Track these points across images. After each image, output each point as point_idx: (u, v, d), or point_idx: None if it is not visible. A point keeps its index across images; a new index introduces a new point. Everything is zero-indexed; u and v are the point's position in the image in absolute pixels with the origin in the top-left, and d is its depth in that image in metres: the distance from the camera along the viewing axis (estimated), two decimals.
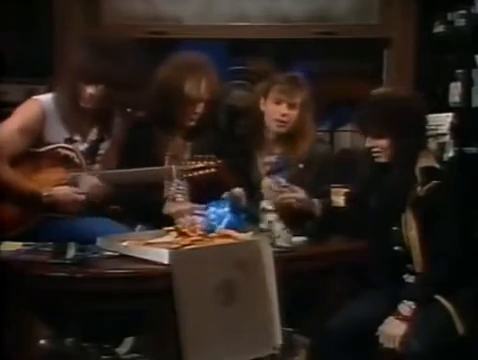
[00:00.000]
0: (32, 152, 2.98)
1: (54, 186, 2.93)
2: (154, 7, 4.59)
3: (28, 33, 4.29)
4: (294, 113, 3.26)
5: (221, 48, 4.68)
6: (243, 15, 4.58)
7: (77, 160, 3.01)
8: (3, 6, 4.14)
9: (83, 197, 2.93)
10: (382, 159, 2.86)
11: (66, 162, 2.99)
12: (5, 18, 4.21)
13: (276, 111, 3.26)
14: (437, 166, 2.86)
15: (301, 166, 3.23)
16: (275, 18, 4.56)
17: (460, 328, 2.63)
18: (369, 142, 2.87)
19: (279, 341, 2.67)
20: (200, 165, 2.97)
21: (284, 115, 3.24)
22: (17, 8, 4.26)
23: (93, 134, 3.09)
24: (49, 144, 2.98)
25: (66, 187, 2.93)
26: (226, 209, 2.89)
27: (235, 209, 2.90)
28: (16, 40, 4.26)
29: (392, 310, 2.69)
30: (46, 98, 3.03)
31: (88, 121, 3.06)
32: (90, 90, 2.94)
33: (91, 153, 3.07)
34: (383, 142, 2.84)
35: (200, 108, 3.22)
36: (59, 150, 2.99)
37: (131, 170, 3.00)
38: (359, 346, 2.73)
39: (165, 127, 3.27)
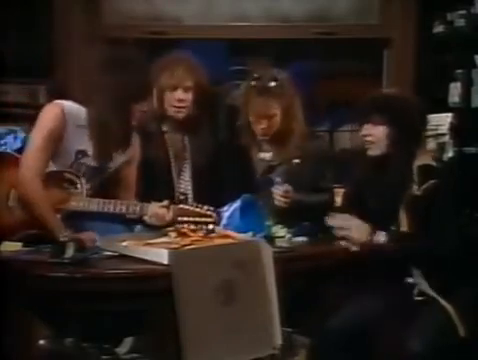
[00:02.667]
0: None
1: (55, 207, 2.87)
2: (154, 7, 4.60)
3: (28, 33, 4.29)
4: (275, 121, 3.25)
5: (221, 48, 4.69)
6: (243, 15, 4.58)
7: (79, 186, 2.94)
8: (3, 6, 4.14)
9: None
10: (374, 151, 2.85)
11: (70, 184, 2.94)
12: (5, 18, 4.21)
13: (257, 124, 3.26)
14: (435, 164, 2.86)
15: (297, 161, 3.23)
16: (275, 18, 4.57)
17: (460, 329, 2.63)
18: (365, 130, 2.87)
19: (279, 341, 2.66)
20: (198, 211, 2.85)
21: (264, 128, 3.24)
22: (17, 8, 4.27)
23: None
24: (62, 152, 2.92)
25: (88, 238, 2.78)
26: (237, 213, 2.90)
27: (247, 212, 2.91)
28: (16, 40, 4.26)
29: (391, 310, 2.69)
30: (68, 104, 2.93)
31: (117, 142, 2.98)
32: (143, 107, 2.92)
33: (100, 170, 3.01)
34: (379, 130, 2.83)
35: (184, 95, 3.25)
36: (65, 174, 2.94)
37: (141, 204, 2.94)
38: (359, 346, 2.72)
39: (159, 121, 3.32)
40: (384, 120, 2.82)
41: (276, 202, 3.09)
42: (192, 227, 2.83)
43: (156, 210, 2.89)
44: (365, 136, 2.87)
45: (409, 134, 2.82)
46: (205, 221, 2.83)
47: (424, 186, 2.74)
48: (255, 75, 3.29)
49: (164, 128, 3.36)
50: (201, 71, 3.33)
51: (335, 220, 2.81)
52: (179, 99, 3.26)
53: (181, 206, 2.89)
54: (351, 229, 2.77)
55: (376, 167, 2.88)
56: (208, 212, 2.83)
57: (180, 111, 3.29)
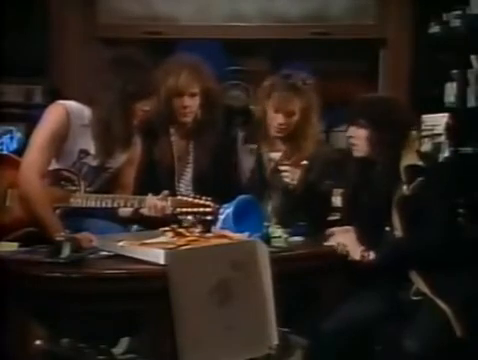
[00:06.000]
0: None
1: (53, 205, 2.87)
2: (150, 7, 4.61)
3: (26, 33, 4.29)
4: (292, 120, 3.29)
5: (217, 48, 4.68)
6: (239, 15, 4.59)
7: (77, 183, 2.94)
8: (1, 6, 4.14)
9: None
10: (359, 153, 2.90)
11: (67, 182, 2.93)
12: (1, 18, 4.21)
13: (274, 119, 3.29)
14: (421, 164, 2.87)
15: (304, 163, 3.25)
16: (271, 18, 4.58)
17: (457, 330, 2.63)
18: (349, 132, 2.93)
19: (275, 341, 2.67)
20: (196, 202, 2.84)
21: (281, 124, 3.28)
22: (13, 8, 4.27)
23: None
24: (66, 152, 2.92)
25: (84, 238, 2.78)
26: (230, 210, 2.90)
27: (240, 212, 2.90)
28: (14, 40, 4.26)
29: (389, 310, 2.70)
30: (71, 104, 2.93)
31: (119, 141, 2.98)
32: (145, 107, 2.92)
33: (101, 169, 3.02)
34: (360, 132, 2.88)
35: (190, 102, 3.25)
36: (62, 172, 2.93)
37: (138, 197, 2.95)
38: (356, 346, 2.73)
39: (164, 125, 3.31)
40: (365, 123, 2.87)
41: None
42: (190, 218, 2.82)
43: (154, 202, 2.88)
44: (349, 137, 2.94)
45: (393, 136, 2.84)
46: (204, 212, 2.82)
47: (412, 185, 2.76)
48: (286, 72, 3.33)
49: (171, 131, 3.35)
50: (208, 75, 3.32)
51: (334, 238, 2.90)
52: (184, 106, 3.25)
53: (179, 197, 2.88)
54: (347, 246, 2.84)
55: (364, 168, 2.92)
56: (207, 202, 2.83)
57: (186, 116, 3.28)
